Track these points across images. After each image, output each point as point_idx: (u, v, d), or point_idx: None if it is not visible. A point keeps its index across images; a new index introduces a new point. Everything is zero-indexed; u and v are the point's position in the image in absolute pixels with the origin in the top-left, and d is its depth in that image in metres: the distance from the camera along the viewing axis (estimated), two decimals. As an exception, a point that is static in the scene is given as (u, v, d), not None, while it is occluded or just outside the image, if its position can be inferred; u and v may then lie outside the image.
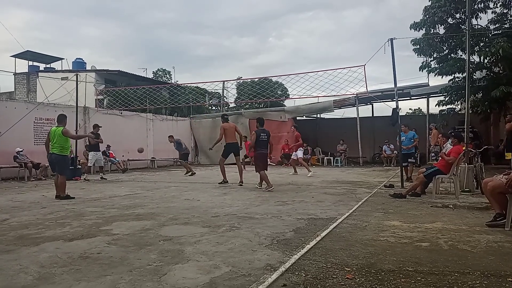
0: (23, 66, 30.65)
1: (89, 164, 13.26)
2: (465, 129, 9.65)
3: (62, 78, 18.46)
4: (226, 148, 10.96)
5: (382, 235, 4.59)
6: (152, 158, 19.71)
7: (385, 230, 4.86)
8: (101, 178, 12.92)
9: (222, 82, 26.25)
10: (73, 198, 7.99)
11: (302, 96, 16.48)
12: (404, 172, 9.85)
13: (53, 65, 31.31)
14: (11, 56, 28.78)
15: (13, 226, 5.34)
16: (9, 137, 12.84)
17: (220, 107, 30.07)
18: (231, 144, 10.94)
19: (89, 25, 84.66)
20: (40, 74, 27.97)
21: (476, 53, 15.72)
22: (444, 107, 17.79)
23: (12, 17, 71.75)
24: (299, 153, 14.38)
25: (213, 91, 31.08)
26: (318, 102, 21.46)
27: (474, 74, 16.31)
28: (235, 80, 29.63)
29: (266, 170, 9.70)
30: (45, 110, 14.80)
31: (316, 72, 15.05)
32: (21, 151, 13.19)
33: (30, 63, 30.53)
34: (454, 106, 18.65)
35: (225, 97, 29.24)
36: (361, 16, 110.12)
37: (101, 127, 13.57)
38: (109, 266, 3.46)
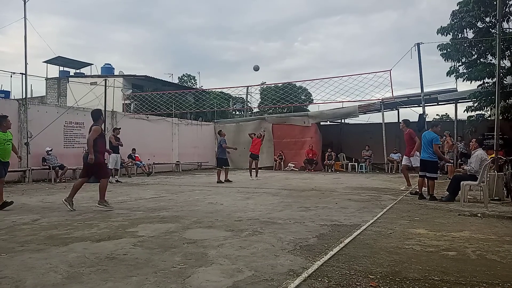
0: (54, 71, 31.76)
1: (110, 167, 13.34)
2: (495, 136, 9.39)
3: (91, 83, 18.95)
4: None
5: (407, 243, 4.52)
6: (177, 161, 19.98)
7: (410, 238, 4.78)
8: (116, 181, 13.08)
9: (246, 87, 26.43)
10: (11, 203, 7.11)
11: (326, 101, 16.34)
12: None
13: (82, 70, 32.29)
14: (43, 62, 29.87)
15: (44, 226, 5.52)
16: (40, 140, 13.31)
17: (243, 112, 30.26)
18: None
19: (120, 30, 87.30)
20: (70, 79, 28.92)
21: (507, 58, 15.29)
22: (473, 113, 17.34)
23: (48, 24, 74.55)
24: (406, 159, 10.30)
25: (237, 96, 31.36)
26: (342, 107, 21.29)
27: (505, 79, 15.86)
28: (259, 85, 29.76)
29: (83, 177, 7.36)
30: (75, 114, 15.25)
31: (341, 77, 14.93)
32: (50, 150, 13.54)
33: (61, 68, 31.55)
34: (483, 112, 18.16)
35: (248, 102, 29.41)
36: (388, 20, 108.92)
37: (119, 128, 13.93)
38: (134, 267, 3.54)
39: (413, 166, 10.08)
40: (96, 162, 7.07)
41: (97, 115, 7.49)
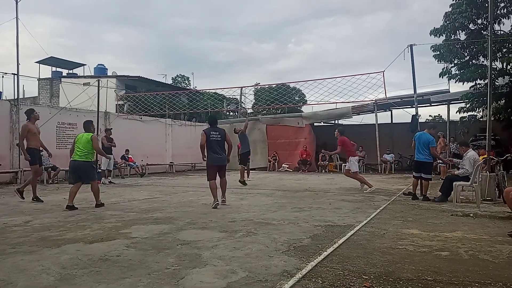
0: (46, 72, 31.48)
1: (102, 168, 13.38)
2: (487, 137, 9.47)
3: (84, 84, 18.85)
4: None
5: (400, 243, 4.54)
6: (170, 162, 19.92)
7: (403, 238, 4.81)
8: (109, 182, 13.01)
9: (240, 88, 26.41)
10: (102, 205, 7.48)
11: (320, 102, 16.40)
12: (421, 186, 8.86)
13: (75, 71, 32.02)
14: (36, 62, 29.58)
15: (36, 228, 5.47)
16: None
17: (237, 112, 30.23)
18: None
19: (112, 31, 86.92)
20: (63, 79, 28.69)
21: (498, 59, 15.44)
22: (465, 114, 17.49)
23: (39, 25, 74.04)
24: (352, 165, 10.61)
25: (231, 97, 31.32)
26: (336, 108, 21.37)
27: (497, 80, 16.02)
28: (253, 86, 29.80)
29: (214, 179, 7.70)
30: (68, 114, 15.13)
31: (334, 78, 14.99)
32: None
33: (54, 69, 31.31)
34: (475, 113, 18.34)
35: (242, 102, 29.41)
36: (381, 21, 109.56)
37: (111, 128, 13.89)
38: (128, 269, 3.52)
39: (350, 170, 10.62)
40: (226, 163, 7.74)
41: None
